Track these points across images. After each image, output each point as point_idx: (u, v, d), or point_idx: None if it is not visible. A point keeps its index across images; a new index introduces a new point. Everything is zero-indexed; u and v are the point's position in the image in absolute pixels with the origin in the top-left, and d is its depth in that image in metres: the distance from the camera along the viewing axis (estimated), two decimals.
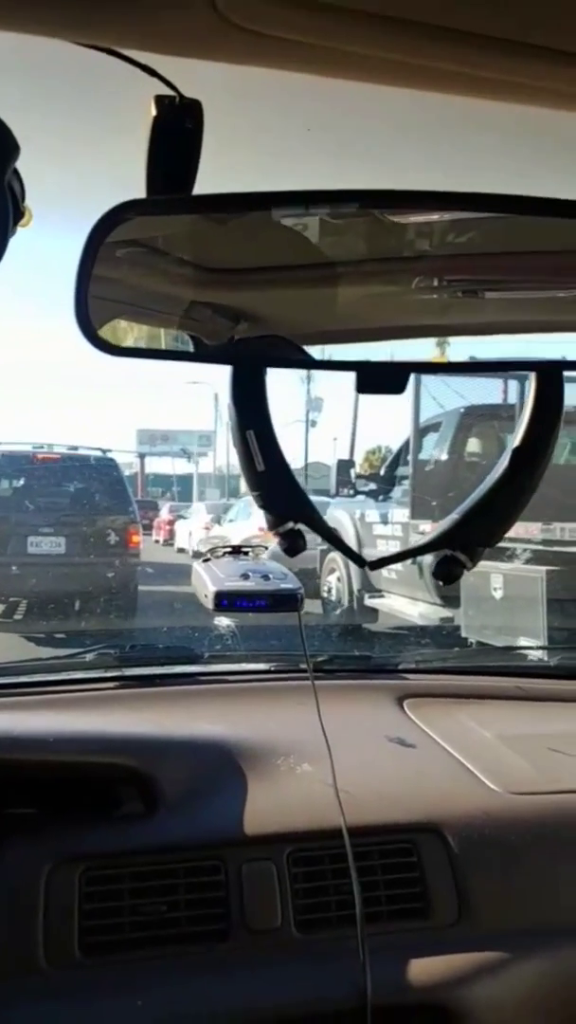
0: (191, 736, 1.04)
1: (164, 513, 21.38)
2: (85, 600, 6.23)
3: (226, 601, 1.07)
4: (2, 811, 0.92)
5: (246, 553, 1.18)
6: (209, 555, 1.19)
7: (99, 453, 7.58)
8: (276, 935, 0.88)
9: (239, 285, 0.65)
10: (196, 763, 0.99)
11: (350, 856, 0.89)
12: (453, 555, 0.59)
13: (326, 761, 0.98)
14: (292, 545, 0.61)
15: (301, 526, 0.61)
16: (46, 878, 0.85)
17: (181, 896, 0.88)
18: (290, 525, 0.60)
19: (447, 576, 0.59)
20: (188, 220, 0.59)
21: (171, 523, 19.12)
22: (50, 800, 0.93)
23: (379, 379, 0.57)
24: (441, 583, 0.59)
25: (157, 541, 19.68)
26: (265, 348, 0.61)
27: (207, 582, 1.06)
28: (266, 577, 1.07)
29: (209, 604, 1.07)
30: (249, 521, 10.45)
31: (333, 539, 0.63)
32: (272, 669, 1.40)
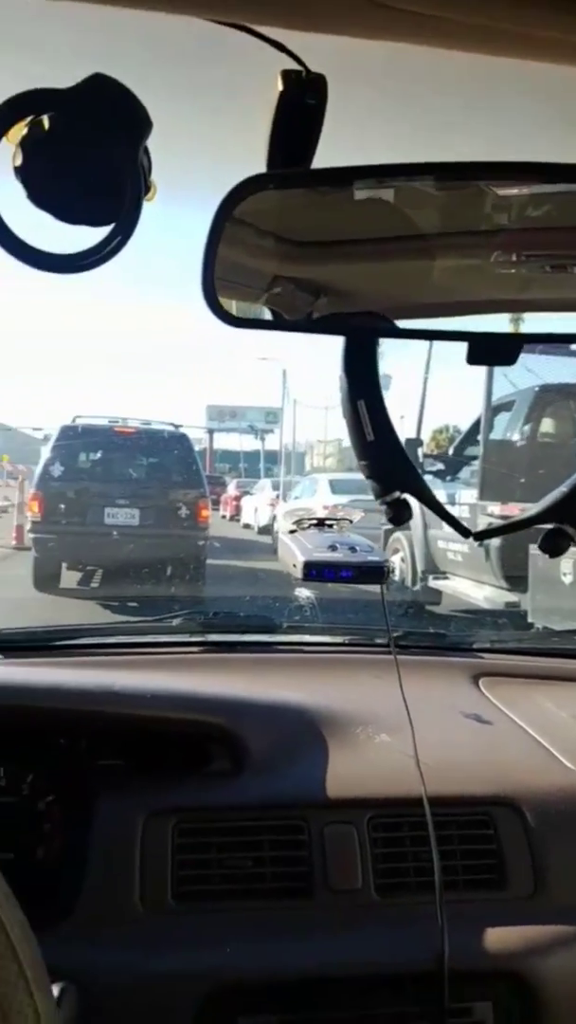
0: (274, 701, 1.06)
1: (231, 489, 21.64)
2: (157, 570, 6.40)
3: (314, 571, 1.09)
4: (96, 763, 0.97)
5: (331, 526, 1.20)
6: (296, 527, 1.21)
7: (172, 428, 7.72)
8: (356, 896, 0.90)
9: (337, 258, 0.66)
10: (279, 726, 1.02)
11: (430, 824, 0.91)
12: (561, 528, 0.59)
13: (404, 732, 1.00)
14: (398, 514, 0.62)
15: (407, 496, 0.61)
16: (141, 829, 0.89)
17: (266, 853, 0.91)
18: (396, 494, 0.61)
19: (553, 549, 0.59)
20: (298, 194, 0.60)
21: (238, 499, 19.34)
22: (141, 755, 0.97)
23: (492, 349, 0.57)
24: (548, 555, 0.59)
25: (224, 516, 19.95)
26: (377, 320, 0.62)
27: (295, 552, 1.09)
28: (353, 549, 1.09)
29: (298, 573, 1.10)
30: (314, 498, 10.50)
31: (440, 510, 0.64)
32: (349, 642, 1.42)
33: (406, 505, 0.62)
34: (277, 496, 13.59)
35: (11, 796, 0.94)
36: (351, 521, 1.30)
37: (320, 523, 1.21)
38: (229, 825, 0.92)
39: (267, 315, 0.62)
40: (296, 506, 10.41)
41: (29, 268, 0.51)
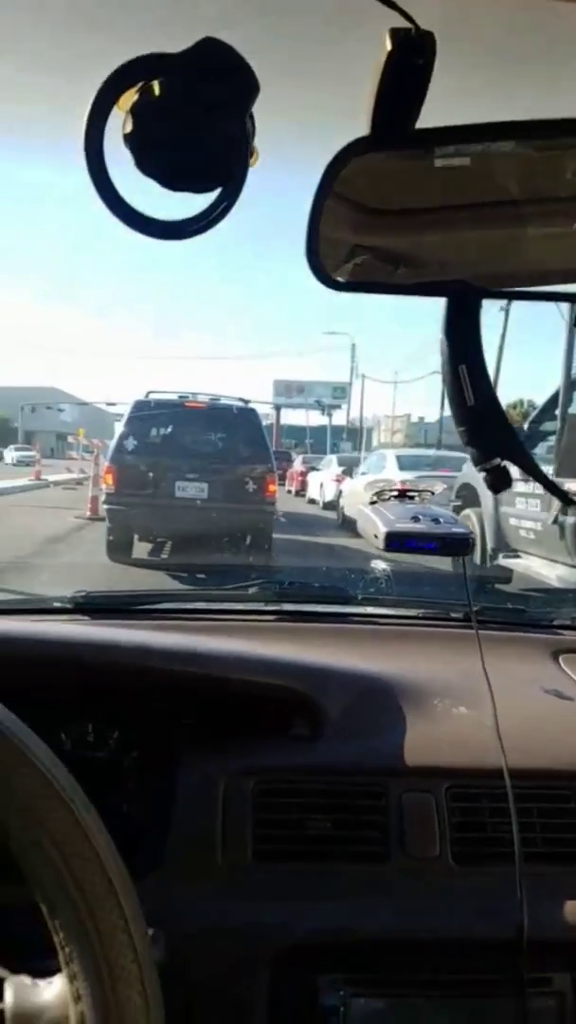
0: (351, 669, 1.07)
1: (297, 464, 21.67)
2: (224, 543, 6.48)
3: (397, 542, 1.09)
4: (179, 723, 1.00)
5: (412, 497, 1.19)
6: (376, 498, 1.21)
7: (241, 403, 7.76)
8: (434, 864, 0.91)
9: (441, 223, 0.64)
10: (357, 695, 1.03)
11: (510, 796, 0.90)
12: None
13: (483, 705, 0.99)
14: (497, 481, 0.61)
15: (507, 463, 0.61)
16: (223, 788, 0.91)
17: (344, 816, 0.92)
18: (496, 462, 0.60)
19: None
20: (401, 157, 0.59)
21: (303, 475, 19.37)
22: (222, 718, 0.99)
23: None
24: None
25: (289, 492, 20.02)
26: (480, 282, 0.61)
27: (377, 523, 1.09)
28: (436, 520, 1.08)
29: (380, 544, 1.10)
30: (382, 474, 10.39)
31: (541, 477, 0.63)
32: (425, 615, 1.42)
33: (506, 473, 0.61)
34: (343, 472, 13.51)
35: (98, 752, 0.97)
36: (433, 493, 1.29)
37: (401, 494, 1.20)
38: (308, 788, 0.93)
39: (369, 278, 0.62)
40: (376, 478, 10.35)
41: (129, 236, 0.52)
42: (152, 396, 7.53)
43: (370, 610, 1.46)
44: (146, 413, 7.29)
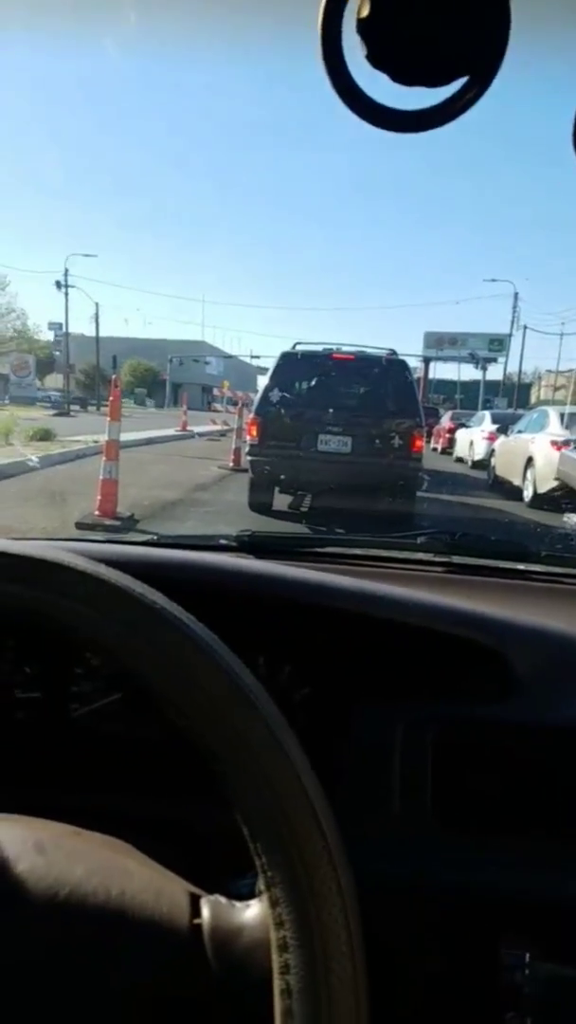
0: (538, 627, 0.95)
1: (445, 421, 21.01)
2: (366, 499, 6.37)
3: None
4: (356, 664, 0.93)
5: None
6: None
7: (389, 355, 7.51)
8: None
9: None
10: (548, 653, 0.91)
11: None
12: None
13: None
14: None
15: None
16: (403, 733, 0.85)
17: (536, 779, 0.83)
18: None
19: None
20: None
21: (451, 431, 18.74)
22: (401, 664, 0.92)
23: None
24: None
25: (435, 449, 19.51)
26: None
27: None
28: None
29: None
30: (542, 433, 9.77)
31: None
32: None
33: None
34: (497, 430, 12.85)
35: (269, 685, 0.92)
36: None
37: None
38: (496, 744, 0.85)
39: None
40: (510, 445, 9.73)
41: None
42: (299, 348, 7.46)
43: (555, 569, 1.31)
44: (292, 365, 7.24)
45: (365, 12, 0.45)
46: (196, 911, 0.47)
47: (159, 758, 0.86)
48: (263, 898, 0.43)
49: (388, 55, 0.46)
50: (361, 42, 0.46)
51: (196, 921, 0.46)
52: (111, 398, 7.13)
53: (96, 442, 10.21)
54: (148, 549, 1.09)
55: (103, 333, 42.92)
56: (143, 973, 0.46)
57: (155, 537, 1.34)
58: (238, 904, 0.47)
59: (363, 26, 0.45)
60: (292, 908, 0.42)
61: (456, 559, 1.30)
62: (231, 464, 10.76)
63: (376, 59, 0.46)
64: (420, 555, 1.32)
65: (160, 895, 0.48)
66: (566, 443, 8.79)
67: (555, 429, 9.47)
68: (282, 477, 7.05)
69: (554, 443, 9.01)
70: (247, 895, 0.47)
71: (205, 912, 0.46)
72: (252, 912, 0.45)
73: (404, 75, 0.46)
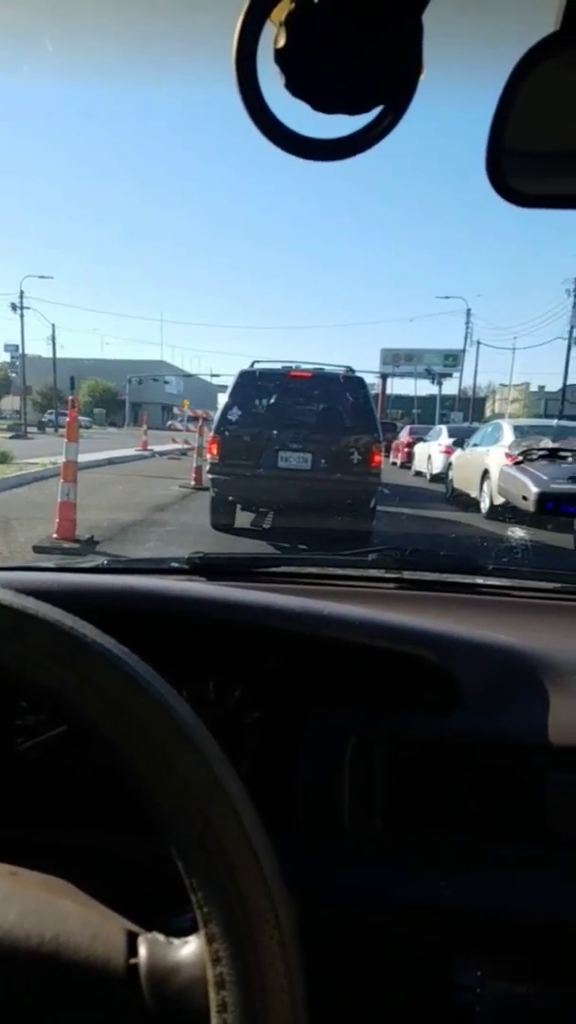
0: (483, 640, 0.97)
1: (403, 435, 21.24)
2: (328, 514, 6.40)
3: (551, 503, 0.93)
4: (304, 685, 0.94)
5: (565, 456, 1.02)
6: (522, 457, 1.04)
7: (347, 372, 7.59)
8: None
9: None
10: (492, 667, 0.93)
11: None
12: None
13: None
14: None
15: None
16: (352, 750, 0.86)
17: (482, 791, 0.85)
18: None
19: None
20: None
21: (410, 446, 18.95)
22: (348, 682, 0.93)
23: None
24: None
25: (394, 463, 19.69)
26: None
27: (527, 483, 0.93)
28: None
29: (530, 506, 0.95)
30: (496, 446, 9.94)
31: None
32: (561, 588, 1.29)
33: None
34: (453, 443, 13.04)
35: (219, 710, 0.94)
36: None
37: (552, 453, 1.04)
38: (443, 758, 0.86)
39: (562, 190, 0.56)
40: (466, 458, 9.85)
41: None
42: (257, 366, 7.49)
43: (502, 582, 1.33)
44: (251, 383, 7.25)
45: (282, 43, 0.46)
46: (133, 950, 0.45)
47: (106, 791, 0.85)
48: (201, 934, 0.42)
49: (305, 84, 0.46)
50: (280, 72, 0.47)
51: (133, 961, 0.45)
52: (68, 419, 7.05)
53: (55, 464, 10.08)
54: (94, 576, 1.07)
55: (62, 354, 42.54)
56: (78, 1018, 0.45)
57: (104, 562, 1.32)
58: (176, 941, 0.45)
59: (280, 56, 0.46)
60: (228, 944, 0.41)
61: (407, 574, 1.31)
62: (193, 483, 10.71)
63: (295, 88, 0.47)
64: (372, 572, 1.34)
65: (96, 936, 0.46)
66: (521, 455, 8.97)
67: (509, 442, 9.65)
68: (244, 495, 7.04)
69: (508, 455, 9.20)
70: (189, 929, 0.45)
71: (142, 951, 0.45)
72: (189, 949, 0.44)
73: (322, 104, 0.47)
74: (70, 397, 7.43)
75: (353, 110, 0.48)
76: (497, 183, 0.52)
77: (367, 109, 0.48)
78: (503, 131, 0.51)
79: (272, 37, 0.46)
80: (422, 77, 0.47)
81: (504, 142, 0.51)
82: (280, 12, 0.46)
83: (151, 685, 0.44)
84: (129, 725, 0.43)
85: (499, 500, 9.08)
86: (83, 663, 0.44)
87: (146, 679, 0.45)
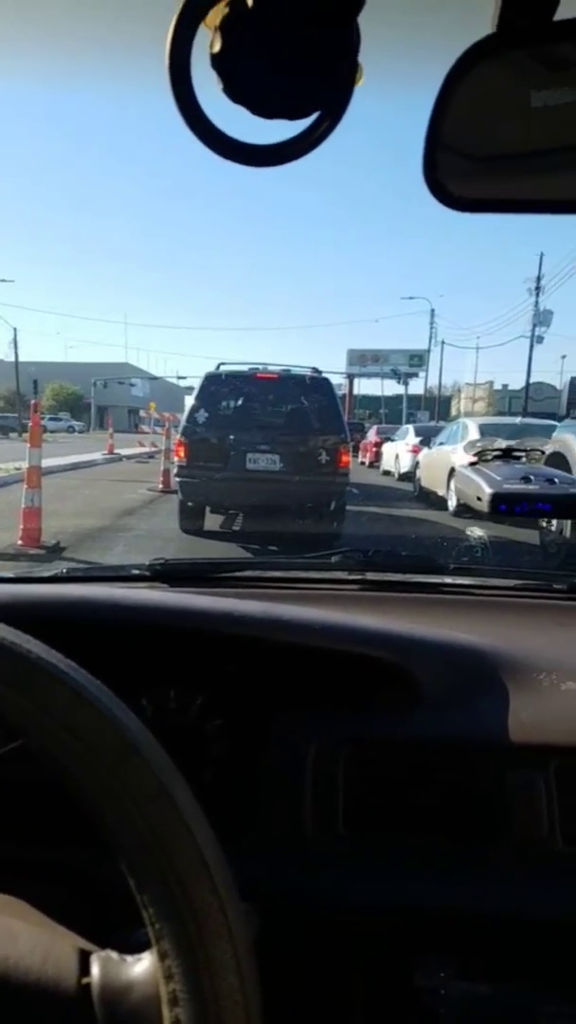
0: (444, 640, 0.97)
1: (371, 435, 21.37)
2: (297, 515, 6.41)
3: (505, 505, 0.94)
4: (264, 691, 0.94)
5: (519, 457, 1.03)
6: (477, 458, 1.05)
7: (313, 373, 7.60)
8: (542, 845, 0.83)
9: None
10: (453, 666, 0.94)
11: None
12: None
13: None
14: None
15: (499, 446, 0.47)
16: (314, 755, 0.86)
17: (442, 792, 0.85)
18: None
19: None
20: (539, 54, 0.50)
21: (378, 445, 19.07)
22: (309, 686, 0.93)
23: None
24: None
25: (363, 463, 19.79)
26: None
27: (481, 484, 0.94)
28: (551, 481, 0.92)
29: (484, 507, 0.96)
30: (461, 444, 10.04)
31: None
32: (525, 586, 1.30)
33: None
34: (420, 442, 13.15)
35: (180, 718, 0.94)
36: (543, 452, 1.13)
37: (506, 453, 1.05)
38: (403, 759, 0.87)
39: (497, 195, 0.56)
40: (432, 456, 9.95)
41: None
42: (223, 368, 7.46)
43: (463, 580, 1.34)
44: (217, 386, 7.22)
45: (217, 48, 0.46)
46: (86, 969, 0.45)
47: (64, 806, 0.84)
48: (154, 951, 0.42)
49: (242, 90, 0.46)
50: (217, 77, 0.46)
51: (85, 980, 0.44)
52: (31, 424, 6.95)
53: (18, 470, 9.93)
54: (51, 587, 1.06)
55: (24, 358, 41.93)
56: None
57: (64, 571, 1.30)
58: (129, 959, 0.45)
59: (216, 61, 0.46)
60: (181, 960, 0.40)
61: (370, 576, 1.32)
62: (160, 486, 10.63)
63: (232, 93, 0.47)
64: (336, 574, 1.34)
65: (47, 957, 0.45)
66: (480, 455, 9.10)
67: (475, 439, 9.77)
68: (213, 498, 7.01)
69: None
70: (144, 945, 0.44)
71: (95, 969, 0.44)
72: (142, 966, 0.44)
73: (260, 108, 0.47)
74: (32, 401, 7.32)
75: (292, 115, 0.47)
76: (434, 187, 0.51)
77: (306, 113, 0.48)
78: (439, 135, 0.51)
79: (208, 42, 0.46)
80: (362, 81, 0.47)
81: (440, 146, 0.51)
82: (215, 17, 0.45)
83: (98, 700, 0.44)
84: (75, 740, 0.43)
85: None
86: (27, 680, 0.43)
87: (93, 693, 0.44)
